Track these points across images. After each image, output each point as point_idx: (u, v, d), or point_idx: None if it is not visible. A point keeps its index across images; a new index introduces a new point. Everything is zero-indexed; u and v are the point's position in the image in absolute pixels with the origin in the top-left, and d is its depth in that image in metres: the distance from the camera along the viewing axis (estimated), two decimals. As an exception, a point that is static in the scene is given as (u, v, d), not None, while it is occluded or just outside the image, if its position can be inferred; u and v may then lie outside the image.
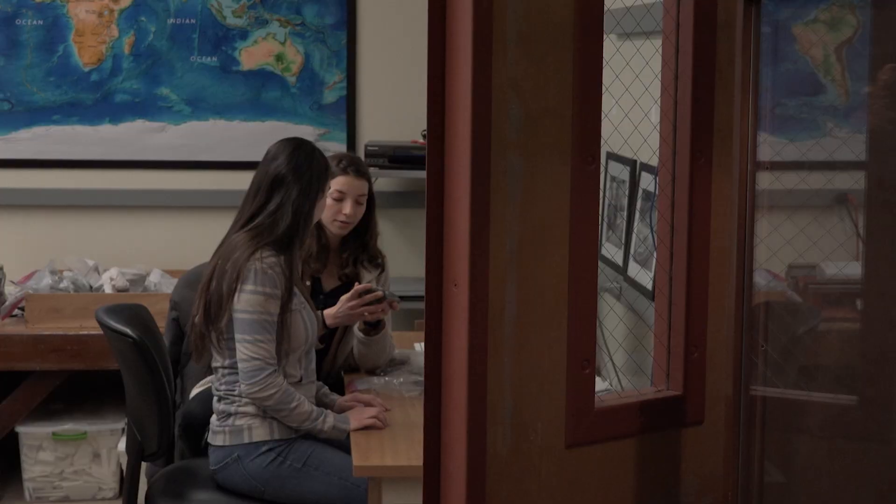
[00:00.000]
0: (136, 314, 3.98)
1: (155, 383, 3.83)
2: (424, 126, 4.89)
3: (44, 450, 5.08)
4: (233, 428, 3.63)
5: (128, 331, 3.78)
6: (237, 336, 3.55)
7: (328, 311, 3.96)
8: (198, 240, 5.39)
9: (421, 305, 4.77)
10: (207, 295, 3.62)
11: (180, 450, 4.12)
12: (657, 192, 2.16)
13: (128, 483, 3.96)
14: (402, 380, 4.03)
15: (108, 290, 5.14)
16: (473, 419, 1.92)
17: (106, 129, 5.53)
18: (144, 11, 5.49)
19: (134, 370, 3.85)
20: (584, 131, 1.99)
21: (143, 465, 4.07)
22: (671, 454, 2.13)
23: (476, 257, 1.90)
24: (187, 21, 5.52)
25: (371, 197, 4.15)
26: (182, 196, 5.58)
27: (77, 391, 5.34)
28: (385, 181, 5.52)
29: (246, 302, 3.53)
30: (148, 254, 5.55)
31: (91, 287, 5.15)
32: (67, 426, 5.11)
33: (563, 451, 2.02)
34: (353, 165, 4.10)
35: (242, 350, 3.53)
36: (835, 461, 2.15)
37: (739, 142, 2.02)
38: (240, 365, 3.54)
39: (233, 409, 3.64)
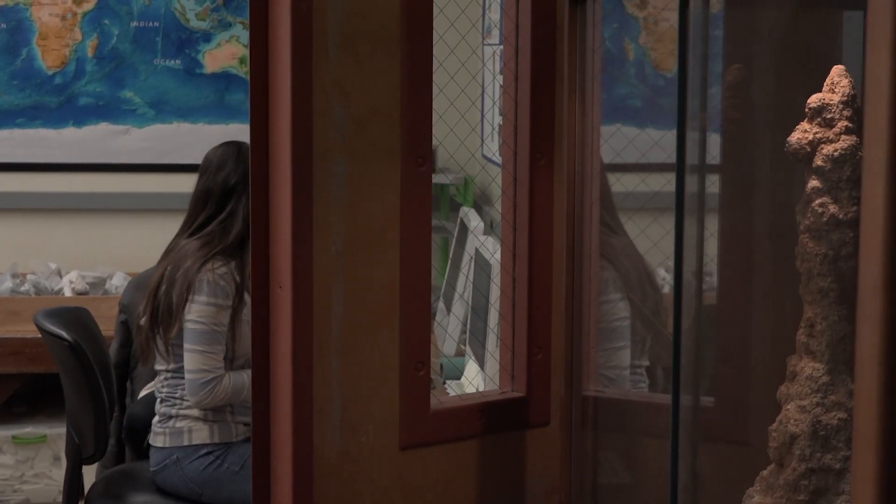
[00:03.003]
0: (76, 317, 4.00)
1: (91, 386, 3.84)
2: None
3: (4, 453, 5.11)
4: (173, 430, 3.65)
5: (63, 334, 3.80)
6: (187, 346, 3.56)
7: None
8: (162, 243, 5.34)
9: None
10: (155, 300, 3.64)
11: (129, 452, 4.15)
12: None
13: (67, 486, 3.98)
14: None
15: (67, 293, 5.18)
16: (299, 420, 1.92)
17: (70, 132, 5.55)
18: (108, 14, 5.52)
19: (70, 373, 3.87)
20: (413, 133, 1.99)
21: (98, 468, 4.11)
22: (516, 456, 2.13)
23: (299, 260, 1.90)
24: (150, 24, 5.54)
25: None
26: (147, 199, 5.60)
27: (37, 394, 5.37)
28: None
29: (197, 313, 3.55)
30: (112, 257, 5.57)
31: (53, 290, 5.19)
32: (27, 429, 5.14)
33: (398, 452, 2.02)
34: None
35: (192, 361, 3.55)
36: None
37: (567, 142, 2.01)
38: (188, 376, 3.56)
39: (174, 411, 3.66)
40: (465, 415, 2.08)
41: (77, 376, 3.83)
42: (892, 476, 1.00)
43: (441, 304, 4.31)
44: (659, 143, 2.22)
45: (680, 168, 1.43)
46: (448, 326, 4.04)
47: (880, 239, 0.98)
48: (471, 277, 3.82)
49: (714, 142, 2.08)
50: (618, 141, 2.27)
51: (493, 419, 2.10)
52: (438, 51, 2.03)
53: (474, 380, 3.38)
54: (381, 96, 1.96)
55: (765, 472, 1.76)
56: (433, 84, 1.99)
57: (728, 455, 2.04)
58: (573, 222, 2.00)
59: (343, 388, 1.96)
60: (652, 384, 3.04)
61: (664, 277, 2.97)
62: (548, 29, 2.08)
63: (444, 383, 3.76)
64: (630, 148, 2.33)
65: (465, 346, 3.90)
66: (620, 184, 2.09)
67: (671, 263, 2.13)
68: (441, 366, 3.86)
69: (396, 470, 2.02)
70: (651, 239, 2.29)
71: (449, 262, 4.43)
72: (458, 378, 3.72)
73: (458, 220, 4.49)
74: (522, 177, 2.10)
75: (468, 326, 3.85)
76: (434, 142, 2.01)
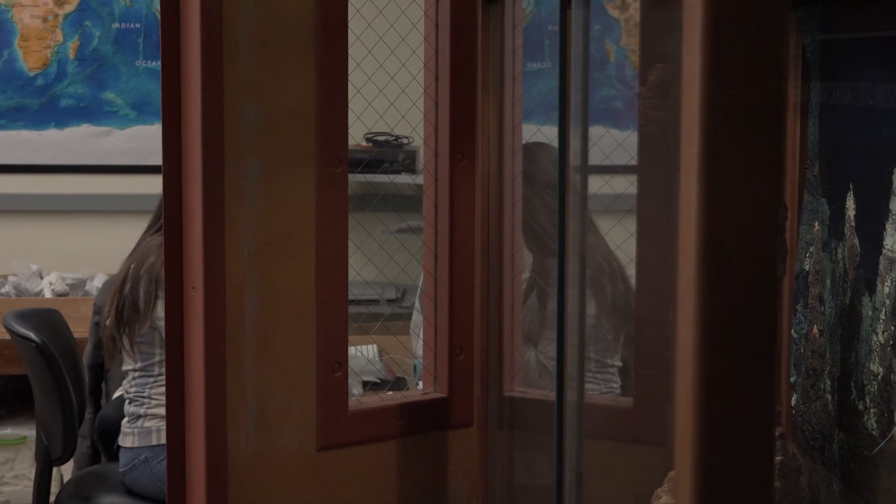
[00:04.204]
0: (46, 319, 4.01)
1: (59, 388, 3.85)
2: (368, 129, 4.92)
3: (-17, 454, 5.13)
4: (141, 430, 3.65)
5: (31, 335, 3.81)
6: (161, 343, 3.56)
7: None
8: (143, 243, 5.42)
9: (363, 309, 4.77)
10: (120, 298, 3.64)
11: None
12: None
13: (36, 488, 3.99)
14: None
15: (48, 294, 5.19)
16: (212, 421, 1.92)
17: (51, 134, 5.57)
18: (89, 16, 5.53)
19: (39, 375, 3.88)
20: (328, 134, 1.99)
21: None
22: (438, 457, 2.13)
23: (211, 260, 1.90)
24: (132, 26, 5.55)
25: None
26: (128, 200, 5.61)
27: (17, 396, 5.39)
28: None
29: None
30: (94, 258, 5.58)
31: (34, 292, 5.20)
32: (7, 431, 5.15)
33: (315, 453, 2.02)
34: None
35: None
36: (610, 463, 2.13)
37: (481, 142, 2.01)
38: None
39: (142, 410, 3.66)
40: (385, 415, 2.08)
41: (45, 378, 3.83)
42: (710, 472, 1.00)
43: (418, 304, 4.31)
44: (622, 144, 2.21)
45: (562, 168, 1.43)
46: (420, 328, 4.03)
47: (693, 239, 0.98)
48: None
49: (632, 141, 2.07)
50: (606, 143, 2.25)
51: (415, 420, 2.10)
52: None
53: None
54: (296, 97, 1.96)
55: (673, 473, 1.76)
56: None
57: (646, 455, 2.03)
58: (488, 223, 1.99)
59: (258, 389, 1.96)
60: (625, 386, 3.02)
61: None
62: (467, 29, 2.08)
63: (418, 384, 3.76)
64: (596, 150, 2.31)
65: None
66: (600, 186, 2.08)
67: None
68: (414, 367, 3.86)
69: (313, 471, 2.02)
70: (615, 241, 2.29)
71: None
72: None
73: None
74: (443, 177, 2.10)
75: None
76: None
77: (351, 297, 4.86)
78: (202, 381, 1.91)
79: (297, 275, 1.98)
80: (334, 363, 2.01)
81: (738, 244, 0.98)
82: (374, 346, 4.73)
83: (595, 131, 2.11)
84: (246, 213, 1.94)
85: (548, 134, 2.21)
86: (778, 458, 1.76)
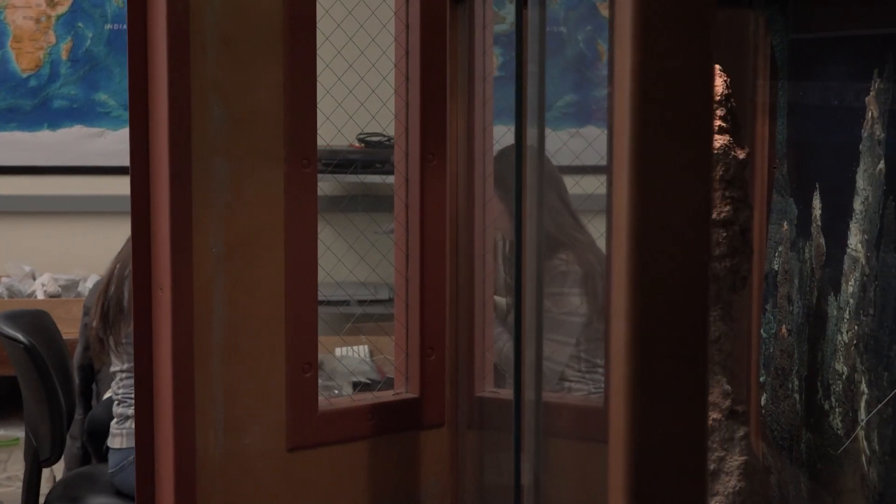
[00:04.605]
0: (35, 321, 4.01)
1: (47, 389, 3.84)
2: (361, 129, 4.91)
3: (-23, 455, 5.13)
4: (129, 431, 3.65)
5: (19, 336, 3.81)
6: None
7: None
8: (136, 244, 5.42)
9: (356, 310, 4.76)
10: (105, 299, 3.64)
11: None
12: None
13: (25, 489, 3.99)
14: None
15: (40, 295, 5.19)
16: (180, 422, 1.92)
17: (44, 135, 5.58)
18: (82, 17, 5.54)
19: (27, 376, 3.88)
20: (297, 134, 1.98)
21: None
22: (410, 457, 2.12)
23: (178, 261, 1.90)
24: (125, 27, 5.53)
25: None
26: (121, 202, 5.57)
27: (10, 397, 5.39)
28: (322, 185, 5.51)
29: None
30: (86, 259, 5.59)
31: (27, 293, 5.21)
32: (0, 432, 5.15)
33: (285, 454, 2.01)
34: None
35: None
36: (583, 463, 2.13)
37: (450, 143, 2.01)
38: None
39: (130, 411, 3.66)
40: (356, 416, 2.08)
41: (33, 379, 3.83)
42: (641, 466, 0.99)
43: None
44: (592, 144, 2.21)
45: (518, 167, 1.43)
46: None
47: (623, 239, 0.98)
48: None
49: (601, 141, 2.06)
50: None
51: (386, 420, 2.10)
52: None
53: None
54: (264, 97, 1.96)
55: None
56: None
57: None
58: (457, 223, 1.99)
59: (226, 389, 1.96)
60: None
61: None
62: (438, 30, 2.07)
63: None
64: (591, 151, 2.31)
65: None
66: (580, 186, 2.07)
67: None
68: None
69: (283, 472, 2.01)
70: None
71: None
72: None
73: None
74: (414, 178, 2.09)
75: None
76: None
77: (343, 297, 4.87)
78: (170, 382, 1.91)
79: (265, 275, 1.98)
80: (304, 363, 2.01)
81: (667, 243, 0.98)
82: (366, 346, 4.73)
83: (590, 132, 2.11)
84: (214, 213, 1.93)
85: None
86: (742, 458, 1.76)
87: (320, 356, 4.34)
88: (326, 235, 5.02)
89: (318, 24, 2.00)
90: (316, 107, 2.00)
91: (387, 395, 2.13)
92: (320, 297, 4.23)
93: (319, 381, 4.07)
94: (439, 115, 2.08)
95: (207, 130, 1.92)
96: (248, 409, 1.98)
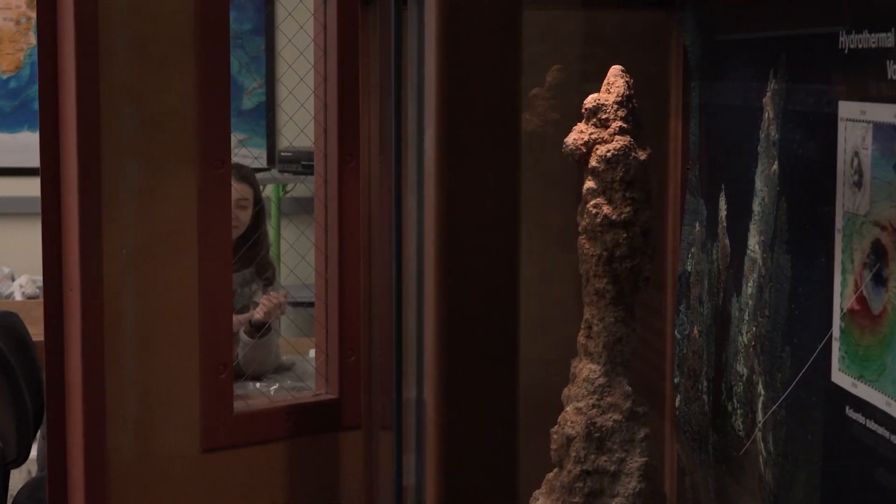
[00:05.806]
0: (4, 322, 4.01)
1: (12, 390, 3.85)
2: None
3: (-47, 456, 5.13)
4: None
5: (-18, 337, 3.82)
6: None
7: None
8: (116, 246, 5.42)
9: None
10: None
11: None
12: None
13: (-9, 491, 3.99)
14: (276, 386, 3.99)
15: (18, 297, 5.20)
16: (91, 423, 1.92)
17: (25, 137, 5.58)
18: (62, 20, 5.54)
19: (-7, 377, 3.88)
20: (210, 136, 1.98)
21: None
22: (329, 458, 2.12)
23: (88, 261, 1.90)
24: (105, 29, 5.56)
25: (260, 207, 4.04)
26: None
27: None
28: (303, 187, 5.52)
29: None
30: (67, 260, 5.58)
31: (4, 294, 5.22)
32: (-23, 432, 5.15)
33: (200, 455, 2.01)
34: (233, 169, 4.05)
35: None
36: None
37: (362, 144, 2.01)
38: None
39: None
40: (273, 417, 2.08)
41: (-1, 380, 3.83)
42: (451, 463, 0.99)
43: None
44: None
45: (398, 169, 1.43)
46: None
47: (433, 241, 0.98)
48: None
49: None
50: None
51: (305, 421, 2.09)
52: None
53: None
54: (177, 98, 1.96)
55: (550, 475, 1.75)
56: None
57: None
58: (369, 224, 1.99)
59: (139, 390, 1.96)
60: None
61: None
62: (354, 31, 2.07)
63: None
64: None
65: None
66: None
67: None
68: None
69: (198, 472, 2.01)
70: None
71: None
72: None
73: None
74: (332, 179, 2.09)
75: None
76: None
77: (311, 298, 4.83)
78: (80, 383, 1.91)
79: (178, 276, 1.98)
80: (219, 365, 2.01)
81: (475, 246, 0.98)
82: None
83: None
84: (124, 214, 1.93)
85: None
86: (643, 460, 1.75)
87: (292, 358, 4.33)
88: (290, 233, 4.96)
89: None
90: (229, 108, 2.00)
91: (305, 397, 2.13)
92: (290, 300, 4.19)
93: (289, 382, 4.07)
94: (357, 116, 2.08)
95: (118, 132, 1.92)
96: (161, 411, 1.98)
